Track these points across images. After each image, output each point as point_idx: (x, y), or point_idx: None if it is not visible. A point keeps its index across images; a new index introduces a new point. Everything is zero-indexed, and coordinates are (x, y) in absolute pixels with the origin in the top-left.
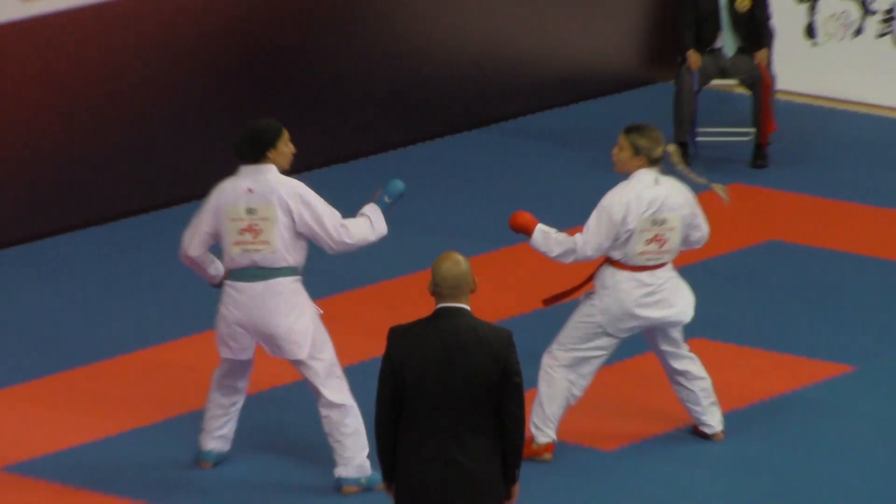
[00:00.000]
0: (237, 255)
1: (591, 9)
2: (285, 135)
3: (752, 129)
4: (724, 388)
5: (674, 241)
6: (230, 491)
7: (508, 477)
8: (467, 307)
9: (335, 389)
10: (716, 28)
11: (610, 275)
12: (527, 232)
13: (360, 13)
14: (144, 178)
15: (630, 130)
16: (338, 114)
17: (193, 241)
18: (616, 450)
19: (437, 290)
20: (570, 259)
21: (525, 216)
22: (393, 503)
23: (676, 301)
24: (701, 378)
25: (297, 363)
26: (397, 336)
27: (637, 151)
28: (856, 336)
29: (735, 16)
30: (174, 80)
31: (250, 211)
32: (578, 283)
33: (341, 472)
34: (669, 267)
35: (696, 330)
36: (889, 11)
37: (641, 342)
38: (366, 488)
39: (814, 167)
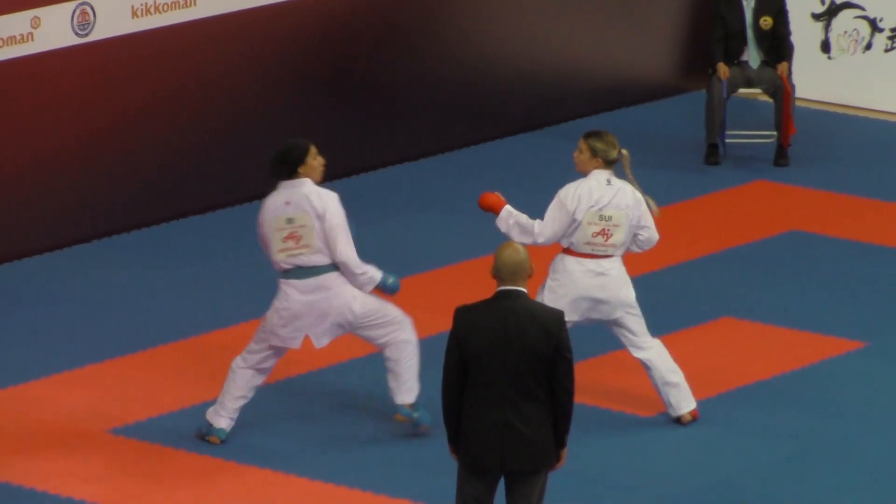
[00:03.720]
0: (282, 259)
1: (634, 25)
2: (312, 150)
3: (774, 133)
4: (749, 362)
5: (618, 236)
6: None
7: (559, 441)
8: (525, 290)
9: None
10: (742, 43)
11: (560, 260)
12: (494, 211)
13: (429, 30)
14: (236, 175)
15: (589, 135)
16: (409, 117)
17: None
18: (652, 416)
19: (498, 275)
20: (527, 242)
21: (492, 197)
22: (458, 464)
23: (619, 289)
24: (656, 368)
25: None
26: (462, 314)
27: (594, 153)
28: (867, 315)
29: (759, 32)
30: (265, 92)
31: (289, 220)
32: None
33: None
34: (617, 260)
35: (724, 310)
36: (894, 29)
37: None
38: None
39: (829, 166)
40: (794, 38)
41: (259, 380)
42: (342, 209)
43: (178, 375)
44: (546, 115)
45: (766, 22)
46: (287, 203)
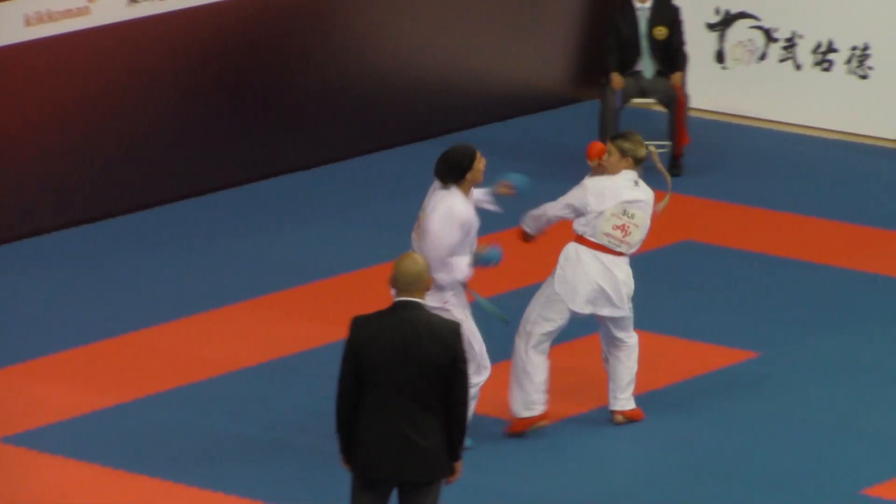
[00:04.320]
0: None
1: (528, 35)
2: (478, 154)
3: (668, 143)
4: (643, 372)
5: (635, 236)
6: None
7: (453, 453)
8: (422, 301)
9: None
10: (636, 53)
11: (574, 248)
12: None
13: (324, 39)
14: (132, 183)
15: (615, 137)
16: (305, 126)
17: None
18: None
19: (396, 285)
20: (538, 211)
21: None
22: (351, 475)
23: (623, 290)
24: (630, 358)
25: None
26: (359, 324)
27: (623, 153)
28: (760, 325)
29: (653, 42)
30: (161, 101)
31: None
32: None
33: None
34: (626, 260)
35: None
36: (789, 39)
37: (586, 325)
38: None
39: (723, 176)
40: (688, 48)
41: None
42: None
43: (68, 383)
44: (441, 124)
45: (661, 32)
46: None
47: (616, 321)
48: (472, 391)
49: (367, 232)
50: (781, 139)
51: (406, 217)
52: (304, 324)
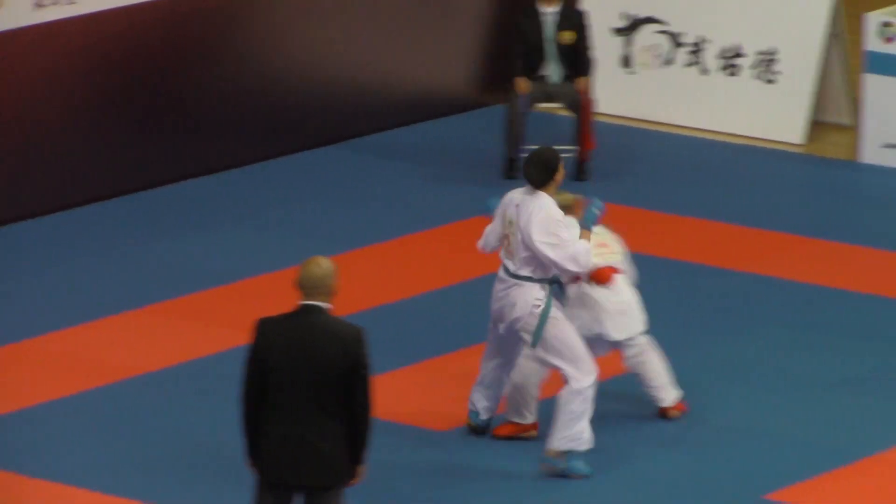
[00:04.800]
0: (502, 256)
1: (434, 39)
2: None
3: (574, 147)
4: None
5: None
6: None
7: (355, 458)
8: (326, 305)
9: None
10: (542, 58)
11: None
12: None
13: (230, 43)
14: (28, 189)
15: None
16: (210, 130)
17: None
18: (446, 430)
19: (301, 288)
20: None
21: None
22: (255, 477)
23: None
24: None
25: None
26: (262, 326)
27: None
28: (663, 329)
29: (559, 47)
30: (63, 106)
31: (510, 223)
32: None
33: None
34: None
35: None
36: (696, 44)
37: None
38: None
39: (629, 181)
40: (594, 53)
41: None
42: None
43: None
44: (347, 128)
45: (567, 36)
46: (517, 206)
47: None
48: (586, 394)
49: (273, 236)
50: (688, 144)
51: (314, 221)
52: (210, 328)
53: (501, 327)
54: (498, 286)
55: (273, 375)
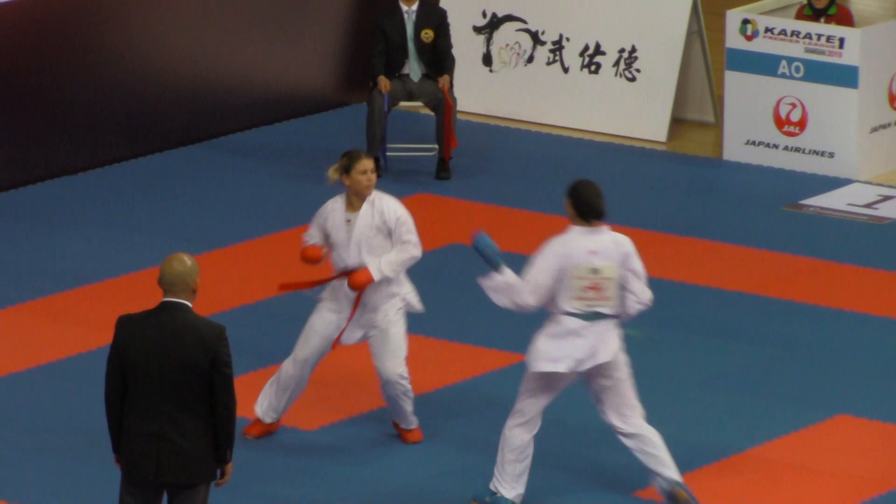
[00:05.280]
0: (576, 307)
1: (294, 38)
2: None
3: (435, 146)
4: (414, 375)
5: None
6: None
7: (221, 457)
8: (187, 303)
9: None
10: (404, 56)
11: None
12: None
13: (90, 42)
14: None
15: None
16: (69, 130)
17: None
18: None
19: (162, 285)
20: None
21: None
22: (121, 474)
23: None
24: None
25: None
26: (123, 324)
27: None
28: (528, 327)
29: (420, 45)
30: None
31: (594, 271)
32: (318, 278)
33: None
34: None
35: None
36: (556, 42)
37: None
38: None
39: (491, 179)
40: (455, 51)
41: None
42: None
43: None
44: (207, 128)
45: (428, 35)
46: (593, 252)
47: None
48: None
49: (136, 236)
50: (550, 142)
51: (176, 221)
52: (73, 328)
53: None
54: None
55: (133, 373)
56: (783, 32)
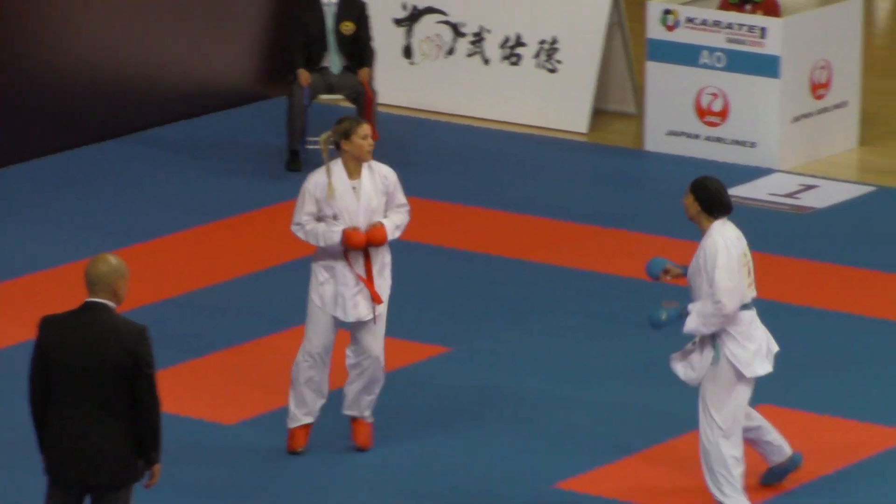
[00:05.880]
0: (749, 294)
1: (214, 32)
2: None
3: None
4: (335, 370)
5: None
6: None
7: (146, 458)
8: (109, 303)
9: None
10: (323, 49)
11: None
12: None
13: (12, 36)
14: None
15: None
16: None
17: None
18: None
19: (87, 285)
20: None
21: None
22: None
23: None
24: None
25: None
26: (46, 324)
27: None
28: (451, 320)
29: (340, 38)
30: None
31: (745, 254)
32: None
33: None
34: None
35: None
36: (477, 34)
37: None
38: None
39: (411, 171)
40: (376, 44)
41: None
42: None
43: None
44: (130, 122)
45: (348, 27)
46: (738, 238)
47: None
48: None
49: (59, 231)
50: (472, 134)
51: (98, 215)
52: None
53: None
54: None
55: (56, 374)
56: (704, 22)
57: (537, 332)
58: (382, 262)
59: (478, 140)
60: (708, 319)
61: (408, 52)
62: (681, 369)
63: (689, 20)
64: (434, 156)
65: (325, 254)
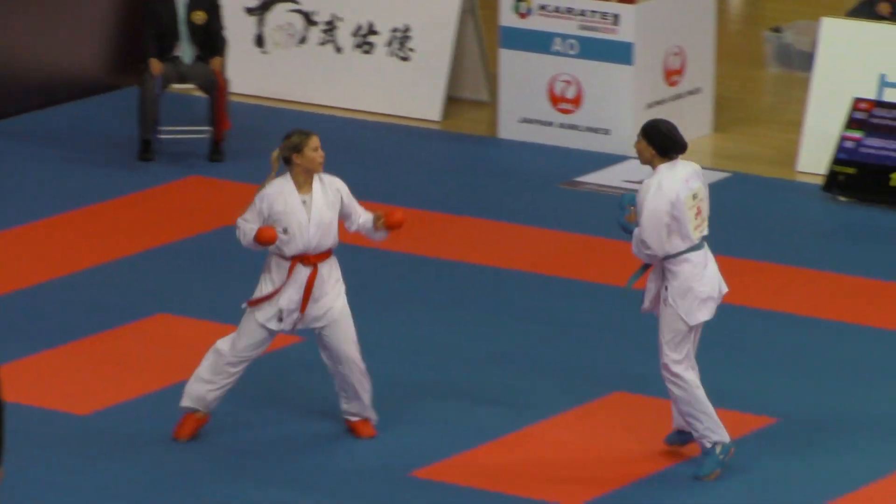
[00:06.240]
0: (696, 237)
1: (64, 21)
2: None
3: (208, 128)
4: (185, 358)
5: None
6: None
7: None
8: None
9: None
10: (175, 38)
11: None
12: None
13: None
14: None
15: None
16: None
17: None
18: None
19: None
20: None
21: None
22: None
23: None
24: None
25: None
26: None
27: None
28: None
29: (192, 27)
30: None
31: (695, 196)
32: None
33: None
34: None
35: (160, 306)
36: (329, 23)
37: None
38: None
39: (264, 161)
40: (227, 33)
41: None
42: None
43: None
44: None
45: (199, 17)
46: (686, 181)
47: None
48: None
49: None
50: (324, 122)
51: None
52: None
53: None
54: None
55: None
56: (557, 9)
57: (390, 320)
58: (334, 279)
59: (331, 129)
60: (639, 248)
61: (260, 41)
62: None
63: (542, 7)
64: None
65: (270, 265)
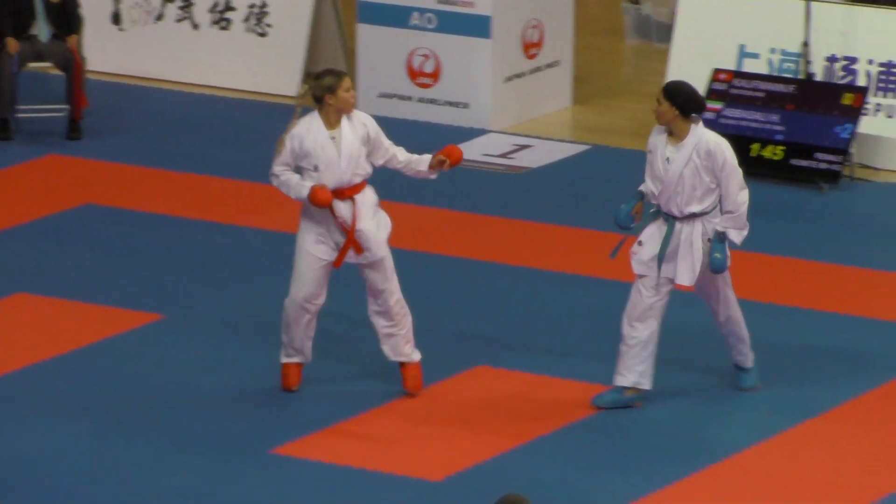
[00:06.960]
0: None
1: None
2: None
3: (66, 106)
4: (45, 337)
5: None
6: None
7: None
8: None
9: None
10: (31, 17)
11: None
12: None
13: None
14: None
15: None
16: None
17: None
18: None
19: None
20: None
21: None
22: None
23: None
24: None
25: None
26: None
27: None
28: (162, 287)
29: (48, 6)
30: None
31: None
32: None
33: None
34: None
35: (18, 286)
36: (186, 0)
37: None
38: None
39: (123, 138)
40: (84, 11)
41: None
42: None
43: None
44: None
45: None
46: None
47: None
48: None
49: None
50: (183, 99)
51: None
52: None
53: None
54: None
55: None
56: None
57: (252, 294)
58: (371, 205)
59: (189, 105)
60: (743, 219)
61: (116, 19)
62: (686, 274)
63: None
64: (144, 122)
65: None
